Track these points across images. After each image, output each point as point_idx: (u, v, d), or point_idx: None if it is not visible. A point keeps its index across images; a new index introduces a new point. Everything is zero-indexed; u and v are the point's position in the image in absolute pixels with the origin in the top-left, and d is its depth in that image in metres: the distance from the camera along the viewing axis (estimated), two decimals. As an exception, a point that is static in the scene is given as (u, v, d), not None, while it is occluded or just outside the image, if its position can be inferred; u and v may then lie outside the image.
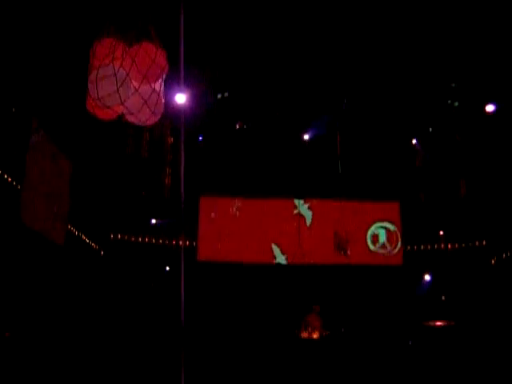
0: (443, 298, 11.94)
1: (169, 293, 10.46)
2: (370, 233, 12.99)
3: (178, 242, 12.36)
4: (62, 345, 7.98)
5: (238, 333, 10.53)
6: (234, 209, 13.04)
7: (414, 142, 13.05)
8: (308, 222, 12.99)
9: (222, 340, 9.92)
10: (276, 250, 12.89)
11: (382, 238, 13.00)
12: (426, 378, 8.49)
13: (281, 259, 12.83)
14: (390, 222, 13.08)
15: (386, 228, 13.03)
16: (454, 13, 8.93)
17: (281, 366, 8.89)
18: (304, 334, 10.04)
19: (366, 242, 12.93)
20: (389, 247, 12.89)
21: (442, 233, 12.81)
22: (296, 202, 13.05)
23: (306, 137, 12.90)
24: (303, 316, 10.40)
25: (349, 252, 11.03)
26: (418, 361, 9.06)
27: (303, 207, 13.05)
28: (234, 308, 11.62)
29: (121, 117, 3.79)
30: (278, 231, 12.88)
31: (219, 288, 11.91)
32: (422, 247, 13.02)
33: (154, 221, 12.55)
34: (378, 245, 12.91)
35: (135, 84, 3.62)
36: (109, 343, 8.96)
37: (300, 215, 12.97)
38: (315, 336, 9.94)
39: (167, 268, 12.19)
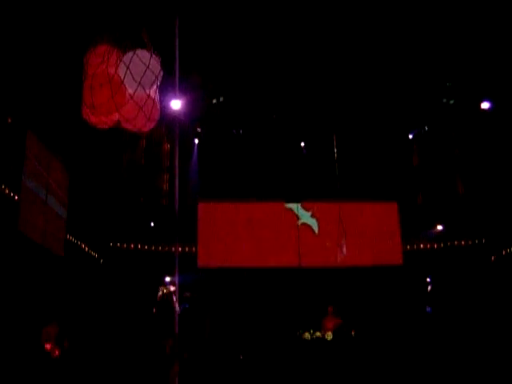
0: (444, 295, 11.91)
1: (169, 300, 10.41)
2: None
3: (177, 249, 12.26)
4: (61, 355, 7.92)
5: (243, 337, 10.47)
6: (233, 213, 12.96)
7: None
8: (315, 229, 12.85)
9: (225, 346, 9.86)
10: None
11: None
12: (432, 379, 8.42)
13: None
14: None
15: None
16: (448, 11, 8.96)
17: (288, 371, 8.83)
18: (317, 335, 9.91)
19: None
20: None
21: (440, 229, 12.80)
22: (294, 207, 12.70)
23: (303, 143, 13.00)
24: (314, 318, 10.33)
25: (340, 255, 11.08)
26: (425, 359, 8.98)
27: (305, 214, 12.87)
28: (236, 314, 11.56)
29: (117, 124, 3.78)
30: (279, 234, 12.82)
31: (221, 294, 11.87)
32: (422, 246, 13.01)
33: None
34: None
35: (130, 91, 3.61)
36: (109, 352, 8.90)
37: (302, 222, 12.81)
38: (328, 338, 9.83)
39: (167, 275, 12.13)
